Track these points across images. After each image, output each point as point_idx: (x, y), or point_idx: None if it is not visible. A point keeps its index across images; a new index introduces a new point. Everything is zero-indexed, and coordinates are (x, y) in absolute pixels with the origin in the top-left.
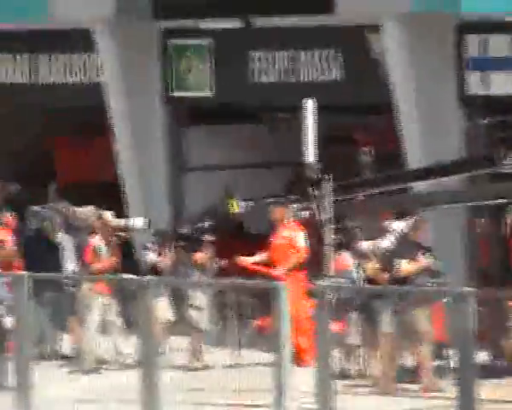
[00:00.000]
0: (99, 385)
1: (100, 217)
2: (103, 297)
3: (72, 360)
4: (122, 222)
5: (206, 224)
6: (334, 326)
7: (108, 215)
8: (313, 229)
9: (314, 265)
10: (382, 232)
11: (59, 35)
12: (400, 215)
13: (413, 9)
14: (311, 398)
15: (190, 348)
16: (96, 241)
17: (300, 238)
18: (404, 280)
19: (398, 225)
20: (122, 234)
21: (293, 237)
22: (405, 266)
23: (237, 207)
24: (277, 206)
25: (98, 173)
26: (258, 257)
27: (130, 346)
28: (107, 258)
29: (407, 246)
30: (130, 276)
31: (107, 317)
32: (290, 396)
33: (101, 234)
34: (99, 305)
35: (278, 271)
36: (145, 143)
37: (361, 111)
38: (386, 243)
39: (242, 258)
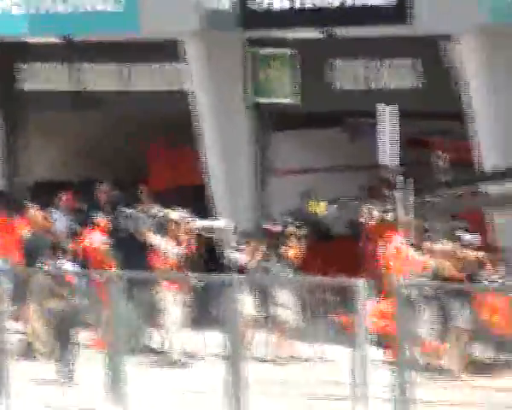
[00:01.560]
0: (186, 377)
1: (167, 217)
2: (176, 294)
3: (160, 354)
4: (206, 223)
5: (293, 220)
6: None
7: (176, 215)
8: (392, 229)
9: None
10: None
11: (149, 46)
12: None
13: (489, 21)
14: (389, 390)
15: (275, 343)
16: (163, 242)
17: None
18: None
19: None
20: (208, 234)
21: (401, 245)
22: None
23: (321, 208)
24: (366, 208)
25: (188, 177)
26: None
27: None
28: (173, 258)
29: None
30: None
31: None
32: (369, 388)
33: (170, 235)
34: (175, 302)
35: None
36: (231, 148)
37: (437, 117)
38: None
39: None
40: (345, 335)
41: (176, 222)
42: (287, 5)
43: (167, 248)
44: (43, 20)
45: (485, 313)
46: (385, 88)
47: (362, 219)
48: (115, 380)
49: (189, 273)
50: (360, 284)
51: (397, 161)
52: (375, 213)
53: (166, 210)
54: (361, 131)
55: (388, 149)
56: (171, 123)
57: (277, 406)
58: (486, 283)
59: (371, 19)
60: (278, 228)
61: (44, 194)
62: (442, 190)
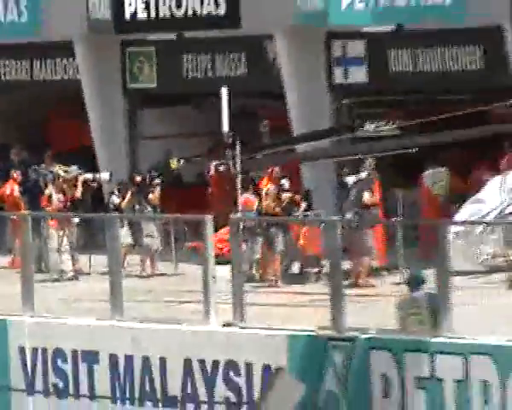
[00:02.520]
0: (77, 290)
1: (56, 173)
2: (57, 230)
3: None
4: (91, 176)
5: (154, 172)
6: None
7: (60, 172)
8: (228, 179)
9: (229, 204)
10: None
11: (49, 45)
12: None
13: (294, 23)
14: (228, 295)
15: (144, 263)
16: (50, 190)
17: None
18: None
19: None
20: (93, 184)
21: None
22: (368, 198)
23: (176, 164)
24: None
25: (79, 143)
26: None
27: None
28: (56, 203)
29: (367, 186)
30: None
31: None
32: (214, 295)
33: (55, 185)
34: (55, 235)
35: None
36: (110, 121)
37: (261, 97)
38: (352, 179)
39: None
40: (196, 256)
41: (61, 176)
42: (147, 15)
43: (52, 195)
44: None
45: (297, 238)
46: (222, 75)
47: (206, 172)
48: (27, 292)
49: (71, 213)
50: (207, 219)
51: (231, 129)
52: (213, 167)
53: (56, 168)
54: (205, 107)
55: (225, 120)
56: (69, 103)
57: (144, 309)
58: (300, 216)
59: (210, 24)
60: (144, 178)
61: None
62: (265, 149)
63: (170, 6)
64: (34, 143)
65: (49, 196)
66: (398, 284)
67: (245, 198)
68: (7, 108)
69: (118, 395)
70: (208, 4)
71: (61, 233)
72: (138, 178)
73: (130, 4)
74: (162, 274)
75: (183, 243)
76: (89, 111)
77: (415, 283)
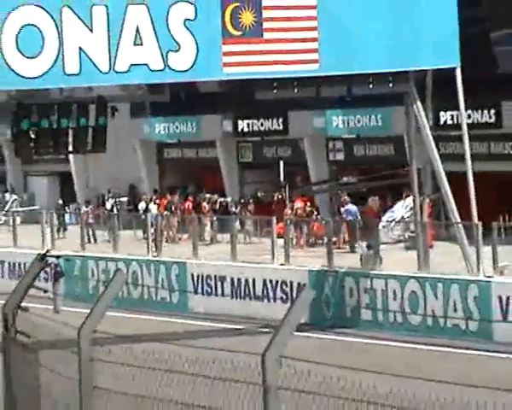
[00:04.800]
0: (216, 249)
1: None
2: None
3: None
4: (223, 199)
5: (249, 198)
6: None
7: (207, 195)
8: (282, 202)
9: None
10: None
11: (204, 142)
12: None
13: (312, 133)
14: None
15: (245, 237)
16: (203, 204)
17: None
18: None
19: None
20: (224, 203)
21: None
22: (343, 210)
23: (260, 194)
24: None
25: (218, 186)
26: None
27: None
28: (206, 209)
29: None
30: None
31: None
32: (276, 250)
33: (206, 202)
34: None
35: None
36: (231, 175)
37: (297, 165)
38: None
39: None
40: (269, 235)
41: (207, 198)
42: (248, 130)
43: (205, 206)
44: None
45: (313, 227)
46: (279, 155)
47: (272, 198)
48: (195, 249)
49: (212, 214)
50: (273, 219)
51: (284, 178)
52: (276, 196)
53: (207, 195)
54: (273, 169)
55: (281, 175)
56: (212, 167)
57: (244, 257)
58: (314, 218)
59: (274, 133)
60: (245, 200)
61: (169, 192)
62: (299, 189)
63: (258, 126)
64: (197, 185)
65: (203, 207)
66: (357, 247)
67: (289, 209)
68: (182, 171)
69: (233, 294)
70: (275, 125)
71: (209, 221)
72: (242, 200)
73: (239, 124)
74: (252, 243)
75: (262, 229)
76: (222, 170)
77: (370, 247)
